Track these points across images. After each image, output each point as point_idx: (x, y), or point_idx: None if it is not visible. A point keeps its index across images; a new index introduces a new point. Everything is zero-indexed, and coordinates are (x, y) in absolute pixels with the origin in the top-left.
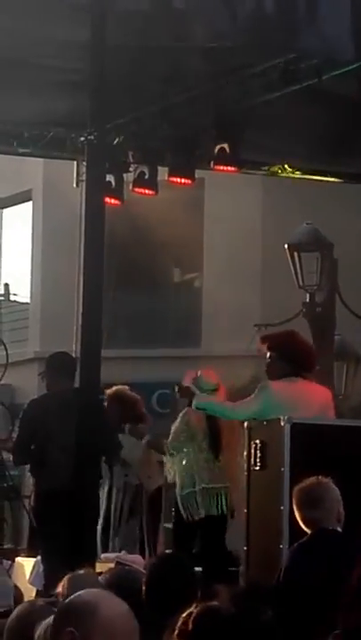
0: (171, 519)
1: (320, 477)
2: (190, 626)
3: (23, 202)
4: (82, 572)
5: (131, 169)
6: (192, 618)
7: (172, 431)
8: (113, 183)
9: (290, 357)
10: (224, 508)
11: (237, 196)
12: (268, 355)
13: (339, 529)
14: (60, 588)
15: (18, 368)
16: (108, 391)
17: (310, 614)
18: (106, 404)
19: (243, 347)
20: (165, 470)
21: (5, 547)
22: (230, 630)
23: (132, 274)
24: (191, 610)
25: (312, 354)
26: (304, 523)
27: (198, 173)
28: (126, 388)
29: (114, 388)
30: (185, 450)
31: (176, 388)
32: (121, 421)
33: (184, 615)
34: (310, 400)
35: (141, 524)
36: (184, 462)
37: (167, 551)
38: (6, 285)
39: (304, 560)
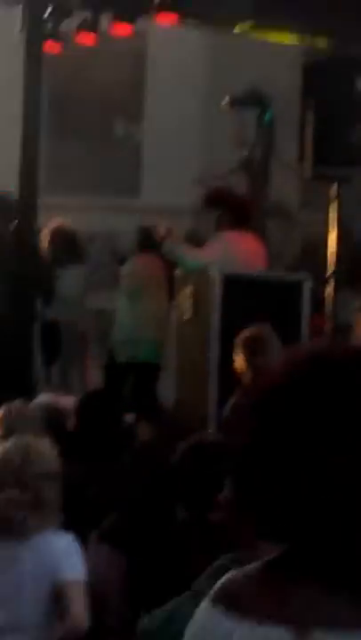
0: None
1: (264, 326)
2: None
3: None
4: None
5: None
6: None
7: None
8: (54, 29)
9: (234, 211)
10: (158, 357)
11: (182, 52)
12: (214, 211)
13: None
14: None
15: None
16: (49, 225)
17: None
18: (48, 238)
19: (181, 200)
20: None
21: None
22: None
23: (73, 124)
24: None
25: (250, 206)
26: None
27: (141, 26)
28: (67, 222)
29: (54, 221)
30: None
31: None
32: (62, 255)
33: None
34: (258, 252)
35: (71, 364)
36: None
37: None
38: None
39: None
